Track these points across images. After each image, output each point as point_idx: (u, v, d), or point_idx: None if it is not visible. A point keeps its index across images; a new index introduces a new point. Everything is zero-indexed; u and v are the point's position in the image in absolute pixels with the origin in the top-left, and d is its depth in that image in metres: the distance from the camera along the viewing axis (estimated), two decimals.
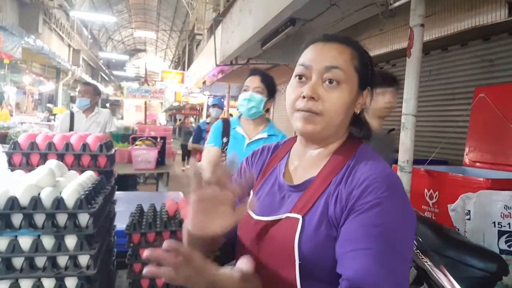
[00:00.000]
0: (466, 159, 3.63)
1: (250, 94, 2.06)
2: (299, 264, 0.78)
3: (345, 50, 0.87)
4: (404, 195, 0.78)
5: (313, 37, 0.92)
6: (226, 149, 2.08)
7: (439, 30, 3.91)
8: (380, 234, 0.72)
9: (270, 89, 2.13)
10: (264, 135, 2.13)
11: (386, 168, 0.81)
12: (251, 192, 1.00)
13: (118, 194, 1.61)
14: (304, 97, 0.84)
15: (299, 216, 0.81)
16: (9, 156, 1.33)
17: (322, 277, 0.78)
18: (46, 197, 1.01)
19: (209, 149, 2.09)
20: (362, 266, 0.70)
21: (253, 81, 2.10)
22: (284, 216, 0.84)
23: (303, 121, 0.84)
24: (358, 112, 0.91)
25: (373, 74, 0.92)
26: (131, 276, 1.29)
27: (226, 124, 2.14)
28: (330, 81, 0.84)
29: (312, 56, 0.87)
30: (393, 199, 0.75)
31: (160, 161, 4.28)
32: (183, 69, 22.11)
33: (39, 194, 1.01)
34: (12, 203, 0.98)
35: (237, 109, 2.26)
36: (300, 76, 0.87)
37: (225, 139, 2.09)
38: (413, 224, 0.77)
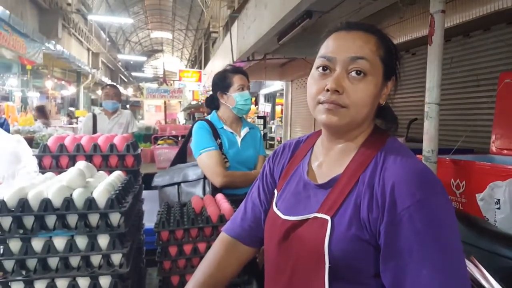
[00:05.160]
0: (493, 147, 3.53)
1: (248, 94, 2.11)
2: (329, 266, 0.76)
3: (370, 39, 0.82)
4: (440, 187, 0.74)
5: (335, 25, 0.88)
6: (223, 151, 2.05)
7: (461, 16, 3.81)
8: (433, 239, 0.69)
9: None
10: (247, 129, 2.19)
11: (416, 163, 0.78)
12: (276, 192, 0.99)
13: (143, 193, 1.63)
14: (327, 90, 0.80)
15: (328, 217, 0.79)
16: (40, 159, 1.36)
17: (351, 279, 0.77)
18: (78, 197, 1.02)
19: (212, 153, 1.97)
20: (426, 280, 0.68)
21: (244, 80, 2.13)
22: (311, 216, 0.82)
23: (327, 113, 0.81)
24: (383, 103, 0.87)
25: (399, 63, 0.88)
26: (161, 274, 1.30)
27: (211, 125, 2.09)
28: (357, 73, 0.79)
29: (335, 47, 0.83)
30: (431, 197, 0.72)
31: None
32: (200, 68, 22.22)
33: (71, 195, 1.03)
34: (46, 204, 1.01)
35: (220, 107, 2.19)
36: (323, 67, 0.83)
37: (218, 141, 2.05)
38: (454, 213, 0.74)
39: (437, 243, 0.69)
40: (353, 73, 0.80)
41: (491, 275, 1.72)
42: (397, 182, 0.74)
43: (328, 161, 0.90)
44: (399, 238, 0.71)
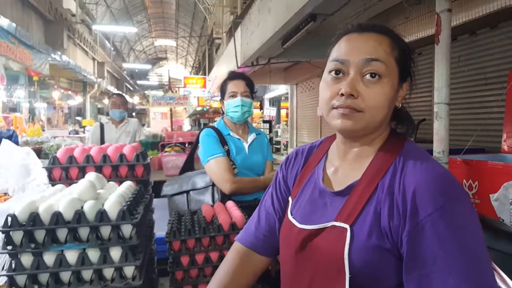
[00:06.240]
0: (505, 146, 3.47)
1: (241, 100, 2.07)
2: (349, 277, 0.73)
3: (383, 40, 0.80)
4: (462, 192, 0.72)
5: (346, 28, 0.85)
6: (231, 158, 2.03)
7: (467, 14, 3.77)
8: (457, 246, 0.66)
9: (252, 92, 2.16)
10: (254, 135, 2.17)
11: (436, 167, 0.75)
12: (290, 200, 0.96)
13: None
14: (342, 95, 0.77)
15: (347, 226, 0.76)
16: (49, 171, 1.35)
17: None
18: (89, 210, 1.01)
19: (220, 160, 1.95)
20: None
21: (239, 86, 2.10)
22: (329, 224, 0.79)
23: (342, 118, 0.78)
24: (399, 105, 0.85)
25: (413, 64, 0.86)
26: (173, 284, 1.29)
27: (218, 132, 2.08)
28: (372, 75, 0.77)
29: (347, 49, 0.80)
30: (455, 203, 0.69)
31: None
32: (204, 74, 22.31)
33: (82, 207, 1.02)
34: (57, 218, 0.99)
35: (225, 114, 2.17)
36: (336, 71, 0.80)
37: (226, 147, 2.03)
38: (478, 218, 0.71)
39: (463, 250, 0.66)
40: (368, 76, 0.78)
41: (508, 276, 1.68)
42: (418, 188, 0.71)
43: (344, 167, 0.87)
44: (422, 246, 0.68)
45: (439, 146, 2.80)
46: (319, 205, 0.86)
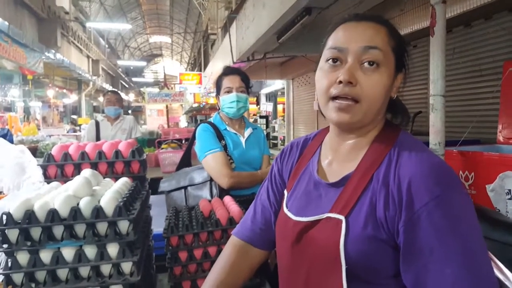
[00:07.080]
0: (500, 137, 3.48)
1: (236, 95, 2.07)
2: (346, 268, 0.73)
3: (380, 29, 0.80)
4: (458, 182, 0.71)
5: (342, 17, 0.85)
6: (228, 152, 2.03)
7: (461, 6, 3.77)
8: (454, 236, 0.66)
9: (248, 87, 2.16)
10: (250, 130, 2.18)
11: (432, 157, 0.75)
12: (285, 193, 0.96)
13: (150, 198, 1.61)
14: (340, 82, 0.77)
15: (342, 217, 0.76)
16: (44, 168, 1.34)
17: (369, 279, 0.74)
18: (85, 206, 1.00)
19: (218, 155, 1.95)
20: (450, 280, 0.65)
21: (234, 81, 2.10)
22: (324, 216, 0.79)
23: (338, 111, 0.78)
24: (395, 96, 0.84)
25: (407, 55, 0.85)
26: (172, 279, 1.28)
27: (215, 127, 2.08)
28: (370, 63, 0.76)
29: (346, 37, 0.80)
30: (451, 192, 0.69)
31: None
32: (200, 70, 22.24)
33: (78, 204, 1.01)
34: (53, 215, 0.99)
35: (220, 109, 2.18)
36: (334, 59, 0.80)
37: (223, 142, 2.03)
38: (473, 207, 0.71)
39: (459, 240, 0.66)
40: (366, 64, 0.77)
41: (505, 266, 1.69)
42: (414, 179, 0.71)
43: (339, 159, 0.87)
44: (418, 236, 0.68)
45: (435, 138, 2.81)
46: (314, 197, 0.86)
